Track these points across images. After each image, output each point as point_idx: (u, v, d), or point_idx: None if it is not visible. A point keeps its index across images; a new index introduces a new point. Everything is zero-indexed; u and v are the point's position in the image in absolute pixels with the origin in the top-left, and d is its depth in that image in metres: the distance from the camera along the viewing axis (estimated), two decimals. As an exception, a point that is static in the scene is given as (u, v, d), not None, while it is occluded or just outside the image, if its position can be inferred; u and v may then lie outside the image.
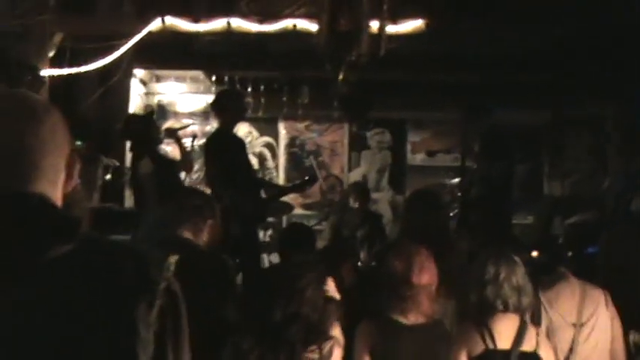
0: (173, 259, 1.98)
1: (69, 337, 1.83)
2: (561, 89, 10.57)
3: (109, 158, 9.76)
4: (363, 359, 4.56)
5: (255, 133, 11.97)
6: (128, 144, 8.80)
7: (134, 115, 8.97)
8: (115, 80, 9.69)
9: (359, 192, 9.80)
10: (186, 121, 10.99)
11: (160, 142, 8.56)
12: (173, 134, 9.09)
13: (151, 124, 8.31)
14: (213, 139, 8.45)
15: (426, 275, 4.65)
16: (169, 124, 11.19)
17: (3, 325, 1.82)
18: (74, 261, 1.88)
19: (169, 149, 9.87)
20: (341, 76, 7.39)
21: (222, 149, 8.10)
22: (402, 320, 4.65)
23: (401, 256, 4.78)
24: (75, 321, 1.84)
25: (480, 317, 4.64)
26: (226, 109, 8.32)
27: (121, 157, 9.98)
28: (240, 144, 8.50)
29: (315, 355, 4.20)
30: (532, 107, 11.37)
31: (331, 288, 4.81)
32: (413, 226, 5.91)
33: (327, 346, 4.27)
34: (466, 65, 10.33)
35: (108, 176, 9.76)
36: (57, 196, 2.01)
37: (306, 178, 9.99)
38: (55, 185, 2.01)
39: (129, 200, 9.87)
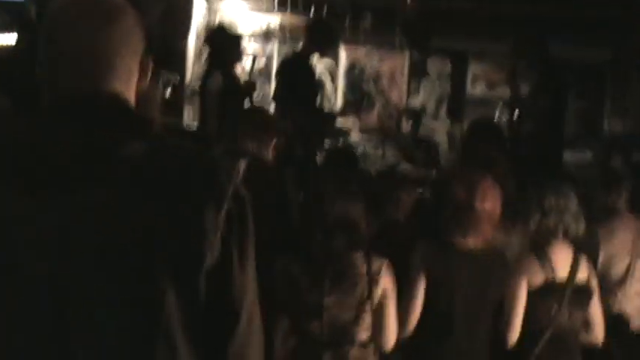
0: (242, 164, 2.00)
1: (137, 238, 1.88)
2: (626, 25, 10.38)
3: (170, 73, 9.79)
4: (419, 278, 4.58)
5: (316, 56, 11.91)
6: (205, 55, 8.85)
7: (223, 27, 8.97)
8: (178, -4, 9.68)
9: (414, 118, 9.77)
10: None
11: (239, 61, 8.60)
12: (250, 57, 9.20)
13: (237, 41, 8.34)
14: (290, 63, 8.55)
15: (489, 201, 4.65)
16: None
17: (80, 223, 1.87)
18: (146, 160, 1.92)
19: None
20: (409, 1, 7.30)
21: (298, 75, 8.21)
22: (462, 244, 4.66)
23: (465, 181, 4.78)
24: (146, 220, 1.89)
25: (540, 246, 4.68)
26: (315, 40, 8.43)
27: (182, 74, 10.00)
28: (312, 72, 8.61)
29: (364, 268, 4.25)
30: (597, 43, 11.17)
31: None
32: (474, 155, 5.89)
33: (376, 263, 4.31)
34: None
35: (168, 91, 9.79)
36: (130, 95, 2.05)
37: (364, 100, 10.02)
38: (128, 85, 2.05)
39: (187, 117, 9.92)
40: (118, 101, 2.00)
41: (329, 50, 8.96)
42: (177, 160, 1.97)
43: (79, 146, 1.90)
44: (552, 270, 4.64)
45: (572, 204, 4.73)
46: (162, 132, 2.05)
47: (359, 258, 4.28)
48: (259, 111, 5.90)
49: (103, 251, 1.87)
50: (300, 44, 8.92)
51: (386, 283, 4.37)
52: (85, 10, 2.02)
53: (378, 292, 4.31)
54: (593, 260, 5.02)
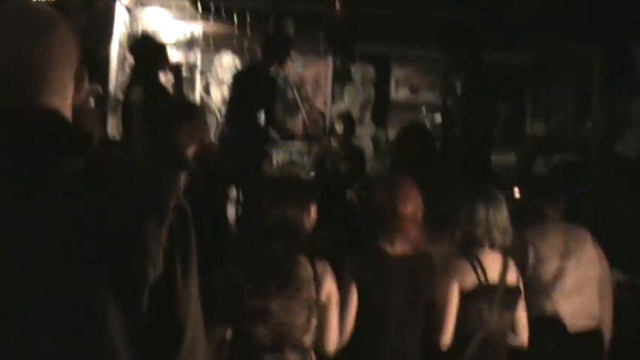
0: (182, 176, 1.98)
1: (79, 252, 1.84)
2: (546, 29, 10.53)
3: (93, 84, 9.68)
4: (351, 289, 4.58)
5: (239, 64, 11.86)
6: (129, 65, 8.79)
7: (148, 37, 8.89)
8: (99, 5, 9.59)
9: (345, 120, 9.81)
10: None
11: (163, 70, 8.52)
12: (173, 67, 9.14)
13: (160, 50, 8.27)
14: (249, 73, 8.88)
15: (411, 204, 4.66)
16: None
17: (14, 240, 1.82)
18: (85, 176, 1.88)
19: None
20: (337, 5, 7.33)
21: (253, 85, 8.34)
22: (389, 250, 4.67)
23: (385, 186, 4.81)
24: (85, 236, 1.85)
25: (469, 252, 4.74)
26: (271, 50, 8.54)
27: (105, 85, 9.89)
28: (273, 84, 8.79)
29: (308, 271, 4.24)
30: (517, 47, 11.32)
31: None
32: (402, 160, 5.92)
33: (319, 266, 4.31)
34: (452, 2, 10.25)
35: (91, 102, 9.68)
36: (67, 109, 2.01)
37: None
38: (64, 98, 2.01)
39: (111, 128, 9.81)
40: (55, 115, 1.95)
41: (286, 60, 9.07)
42: (115, 174, 1.94)
43: (14, 163, 1.85)
44: (483, 272, 4.70)
45: (502, 215, 4.79)
46: (102, 145, 2.01)
47: (302, 261, 4.26)
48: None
49: (42, 266, 1.83)
50: (259, 55, 9.01)
51: (330, 288, 4.37)
52: (17, 22, 1.98)
53: (322, 296, 4.31)
54: (521, 263, 5.09)
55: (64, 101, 2.00)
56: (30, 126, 1.91)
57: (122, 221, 1.87)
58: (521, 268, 5.04)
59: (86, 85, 2.07)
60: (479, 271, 4.70)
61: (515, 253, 4.99)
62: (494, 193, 4.93)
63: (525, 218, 5.46)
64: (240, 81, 8.99)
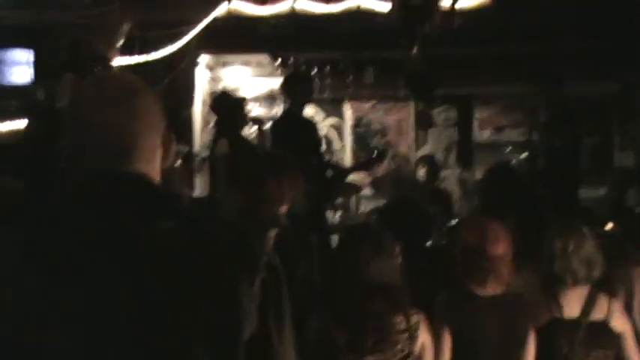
0: (272, 233, 2.00)
1: (173, 311, 1.87)
2: (632, 59, 10.39)
3: (177, 144, 9.82)
4: (444, 335, 4.54)
5: (321, 115, 11.94)
6: (212, 122, 8.87)
7: (226, 93, 9.02)
8: (181, 67, 9.78)
9: (428, 166, 9.76)
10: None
11: (245, 125, 8.60)
12: (256, 121, 9.19)
13: (240, 105, 8.36)
14: (280, 121, 8.50)
15: (500, 245, 4.60)
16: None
17: (110, 299, 1.85)
18: (177, 237, 1.90)
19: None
20: (414, 51, 7.33)
21: (290, 131, 8.14)
22: (480, 292, 4.62)
23: (473, 228, 4.76)
24: (179, 296, 1.87)
25: (549, 288, 4.64)
26: (294, 91, 8.37)
27: (190, 144, 10.05)
28: (308, 125, 8.53)
29: (402, 325, 4.22)
30: (602, 77, 11.17)
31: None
32: (490, 201, 5.88)
33: (413, 318, 4.28)
34: (531, 36, 10.18)
35: (178, 162, 9.83)
36: (155, 173, 2.05)
37: (374, 154, 9.95)
38: (153, 163, 2.05)
39: (199, 186, 9.94)
40: (143, 180, 1.99)
41: (310, 97, 8.85)
42: (206, 233, 1.97)
43: (108, 228, 1.89)
44: (559, 309, 4.58)
45: (584, 247, 4.65)
46: (191, 206, 2.05)
47: (398, 315, 4.25)
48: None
49: (136, 329, 1.85)
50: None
51: (424, 338, 4.34)
52: (106, 91, 2.04)
53: (417, 347, 4.28)
54: (627, 301, 4.93)
55: (152, 165, 2.04)
56: (121, 191, 1.95)
57: (215, 280, 1.89)
58: (628, 304, 4.89)
59: (174, 148, 2.11)
60: (553, 307, 4.59)
61: (615, 288, 4.86)
62: (576, 226, 4.80)
63: (620, 252, 5.32)
64: (277, 131, 8.60)
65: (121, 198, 1.94)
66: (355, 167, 10.26)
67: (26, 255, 1.89)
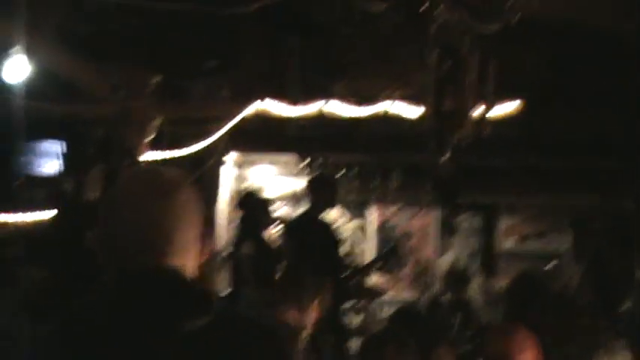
0: (304, 336, 2.00)
1: None
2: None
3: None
4: None
5: (346, 216, 11.94)
6: (237, 220, 8.87)
7: (252, 192, 9.09)
8: (209, 164, 9.84)
9: (457, 280, 9.71)
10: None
11: (270, 224, 8.62)
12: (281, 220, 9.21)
13: (266, 205, 8.40)
14: (295, 222, 8.54)
15: (527, 353, 4.55)
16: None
17: None
18: (211, 335, 1.90)
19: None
20: (446, 157, 7.34)
21: (304, 233, 8.15)
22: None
23: (500, 335, 4.72)
24: None
25: None
26: (317, 194, 8.41)
27: (213, 242, 10.03)
28: (325, 228, 8.52)
29: None
30: (627, 191, 11.12)
31: None
32: (515, 310, 5.83)
33: None
34: (560, 149, 10.20)
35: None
36: (191, 268, 2.04)
37: (385, 250, 9.94)
38: (188, 258, 2.04)
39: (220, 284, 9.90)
40: (178, 276, 1.99)
41: (333, 203, 8.85)
42: (239, 333, 1.96)
43: (143, 323, 1.88)
44: None
45: None
46: (222, 304, 2.04)
47: None
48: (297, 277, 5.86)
49: None
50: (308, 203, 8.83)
51: None
52: (143, 186, 2.05)
53: None
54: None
55: (187, 261, 2.04)
56: (156, 286, 1.94)
57: None
58: None
59: (211, 244, 2.11)
60: None
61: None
62: (610, 340, 4.76)
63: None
64: (293, 233, 8.59)
65: (155, 294, 1.93)
66: (370, 265, 10.22)
67: (64, 354, 1.88)
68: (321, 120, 9.54)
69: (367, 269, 10.06)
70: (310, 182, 8.82)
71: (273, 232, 9.37)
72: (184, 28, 9.17)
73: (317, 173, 10.33)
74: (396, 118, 9.33)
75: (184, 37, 9.39)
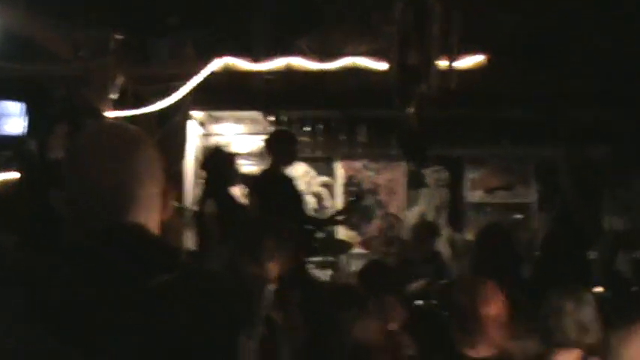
0: (272, 288, 2.00)
1: None
2: (622, 125, 10.43)
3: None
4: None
5: (313, 173, 11.93)
6: (202, 179, 8.84)
7: (217, 150, 9.04)
8: (173, 122, 9.78)
9: (428, 230, 9.73)
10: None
11: (233, 182, 8.59)
12: (246, 177, 9.18)
13: (229, 162, 8.36)
14: (259, 179, 8.52)
15: (493, 306, 4.58)
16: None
17: (112, 354, 1.82)
18: (176, 290, 1.89)
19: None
20: (411, 110, 7.34)
21: (267, 189, 8.14)
22: (471, 353, 4.58)
23: (466, 289, 4.74)
24: (176, 350, 1.84)
25: (541, 351, 4.60)
26: (277, 150, 8.40)
27: (180, 199, 10.00)
28: (287, 183, 8.50)
29: None
30: (592, 142, 11.21)
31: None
32: (484, 262, 5.87)
33: None
34: (525, 101, 10.22)
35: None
36: (155, 224, 2.03)
37: (348, 201, 9.97)
38: (152, 214, 2.03)
39: (187, 241, 9.88)
40: (142, 232, 1.98)
41: (293, 158, 8.83)
42: (205, 287, 1.95)
43: (108, 279, 1.87)
44: None
45: (580, 311, 4.58)
46: (189, 259, 2.03)
47: None
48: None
49: None
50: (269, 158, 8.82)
51: None
52: (105, 143, 2.03)
53: None
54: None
55: (152, 216, 2.03)
56: (119, 242, 1.93)
57: (212, 334, 1.88)
58: None
59: (172, 200, 2.10)
60: None
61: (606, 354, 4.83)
62: (576, 290, 4.75)
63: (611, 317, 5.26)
64: (256, 189, 8.60)
65: (120, 250, 1.92)
66: (333, 216, 10.24)
67: (27, 313, 1.86)
68: (286, 76, 9.49)
69: (330, 221, 10.09)
70: (269, 138, 8.81)
71: (238, 189, 9.34)
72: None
73: (275, 129, 10.32)
74: (362, 71, 9.29)
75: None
